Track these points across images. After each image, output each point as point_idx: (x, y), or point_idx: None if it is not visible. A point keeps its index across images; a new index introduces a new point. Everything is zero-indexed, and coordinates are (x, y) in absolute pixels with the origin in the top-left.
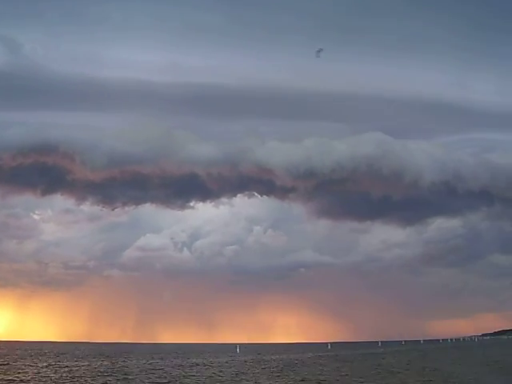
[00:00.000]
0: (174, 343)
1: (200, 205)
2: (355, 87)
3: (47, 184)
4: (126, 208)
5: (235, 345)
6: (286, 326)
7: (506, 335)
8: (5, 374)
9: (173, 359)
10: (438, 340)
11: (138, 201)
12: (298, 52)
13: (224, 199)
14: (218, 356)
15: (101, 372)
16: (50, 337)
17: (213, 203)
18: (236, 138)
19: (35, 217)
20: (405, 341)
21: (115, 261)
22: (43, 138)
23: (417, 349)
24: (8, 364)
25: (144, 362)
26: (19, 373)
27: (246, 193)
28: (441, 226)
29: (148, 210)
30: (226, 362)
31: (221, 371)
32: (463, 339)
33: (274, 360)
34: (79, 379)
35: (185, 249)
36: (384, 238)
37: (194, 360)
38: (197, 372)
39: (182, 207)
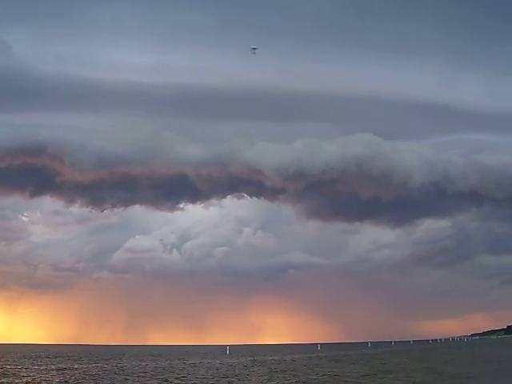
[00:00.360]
0: (164, 345)
1: (189, 206)
2: (345, 88)
3: (36, 186)
4: (116, 209)
5: (225, 346)
6: (275, 327)
7: (495, 335)
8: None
9: (164, 361)
10: (428, 340)
11: (128, 202)
12: (287, 53)
13: (213, 200)
14: (207, 357)
15: (101, 373)
16: (38, 339)
17: (202, 204)
18: (225, 139)
19: (24, 219)
20: (394, 341)
21: (104, 263)
22: (32, 139)
23: (407, 349)
24: (2, 368)
25: (135, 363)
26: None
27: (236, 194)
28: (430, 227)
29: (137, 211)
30: (217, 364)
31: (210, 372)
32: (452, 339)
33: (260, 361)
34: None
35: (174, 250)
36: (373, 238)
37: (185, 361)
38: (188, 373)
39: (172, 208)
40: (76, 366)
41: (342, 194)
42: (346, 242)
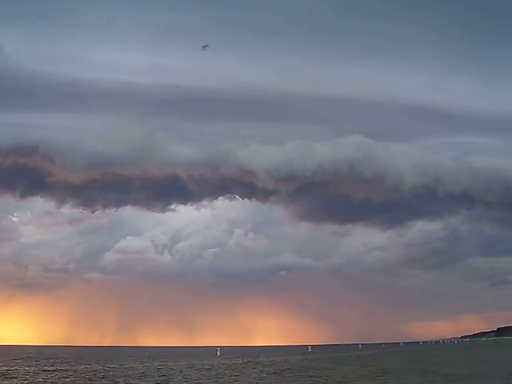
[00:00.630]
0: (155, 346)
1: (181, 207)
2: (337, 90)
3: (27, 186)
4: (107, 210)
5: (216, 348)
6: (266, 329)
7: (485, 337)
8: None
9: (154, 362)
10: (419, 342)
11: (119, 203)
12: (280, 54)
13: (205, 202)
14: (198, 359)
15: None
16: (28, 340)
17: (194, 206)
18: (218, 140)
19: (14, 219)
20: (385, 343)
21: (95, 264)
22: (23, 139)
23: (399, 351)
24: None
25: (128, 365)
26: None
27: (228, 195)
28: (421, 229)
29: (129, 212)
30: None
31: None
32: (443, 341)
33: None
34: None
35: (166, 251)
36: (365, 240)
37: (175, 363)
38: (178, 374)
39: (163, 210)
40: (65, 368)
41: (333, 196)
42: (337, 243)
